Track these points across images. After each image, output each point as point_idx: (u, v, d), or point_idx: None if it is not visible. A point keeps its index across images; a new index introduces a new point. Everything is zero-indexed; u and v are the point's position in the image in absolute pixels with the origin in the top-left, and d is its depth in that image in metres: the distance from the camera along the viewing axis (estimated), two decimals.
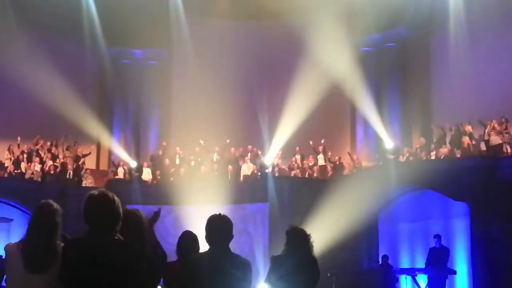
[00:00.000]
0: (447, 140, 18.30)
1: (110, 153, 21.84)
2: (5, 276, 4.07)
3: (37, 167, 18.99)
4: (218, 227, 4.24)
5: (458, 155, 17.13)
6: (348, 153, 20.28)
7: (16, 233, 15.51)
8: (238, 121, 20.48)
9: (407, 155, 18.74)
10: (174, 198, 17.81)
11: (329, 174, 19.31)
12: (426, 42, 21.31)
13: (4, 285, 4.07)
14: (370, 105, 20.16)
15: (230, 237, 4.26)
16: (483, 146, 17.44)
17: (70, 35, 21.06)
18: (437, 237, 14.44)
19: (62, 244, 3.94)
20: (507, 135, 16.90)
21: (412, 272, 14.92)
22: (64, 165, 19.43)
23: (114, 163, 20.67)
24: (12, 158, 19.10)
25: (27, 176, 18.77)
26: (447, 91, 19.77)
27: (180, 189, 17.54)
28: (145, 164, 20.28)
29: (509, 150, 16.60)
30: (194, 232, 5.54)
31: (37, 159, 19.17)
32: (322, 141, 20.01)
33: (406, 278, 14.98)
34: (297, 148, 20.14)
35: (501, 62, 18.74)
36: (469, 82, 18.75)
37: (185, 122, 21.72)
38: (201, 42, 21.94)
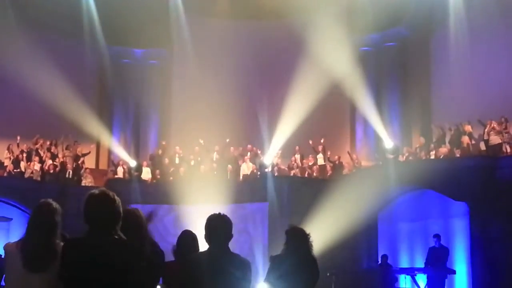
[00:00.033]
0: (447, 139, 18.30)
1: (109, 152, 21.85)
2: (4, 275, 4.06)
3: (37, 166, 18.99)
4: (218, 226, 4.24)
5: (458, 155, 17.13)
6: (348, 152, 20.27)
7: (15, 232, 15.51)
8: (237, 121, 20.48)
9: (406, 154, 18.74)
10: (173, 197, 17.81)
11: (328, 174, 19.31)
12: (426, 41, 21.30)
13: (4, 284, 4.06)
14: (369, 104, 20.16)
15: (230, 236, 4.25)
16: (482, 146, 17.44)
17: (70, 35, 21.06)
18: (437, 236, 14.44)
19: (62, 244, 3.94)
20: (506, 134, 16.90)
21: (411, 271, 14.92)
22: (63, 164, 19.43)
23: (113, 163, 20.68)
24: (12, 157, 19.11)
25: (26, 175, 18.78)
26: (447, 91, 19.77)
27: (180, 189, 17.54)
28: (145, 163, 20.29)
29: (508, 150, 16.61)
30: (194, 232, 5.54)
31: (37, 158, 19.17)
32: (322, 141, 20.02)
33: (405, 277, 14.98)
34: (297, 148, 20.14)
35: (501, 61, 18.73)
36: (469, 81, 18.75)
37: (185, 121, 21.72)
38: (201, 42, 21.94)
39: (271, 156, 19.73)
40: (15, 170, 18.87)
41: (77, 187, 18.31)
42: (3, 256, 4.13)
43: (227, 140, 20.33)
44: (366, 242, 16.87)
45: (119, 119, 22.39)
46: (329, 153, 19.87)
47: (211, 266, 4.13)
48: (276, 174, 19.02)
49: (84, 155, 20.20)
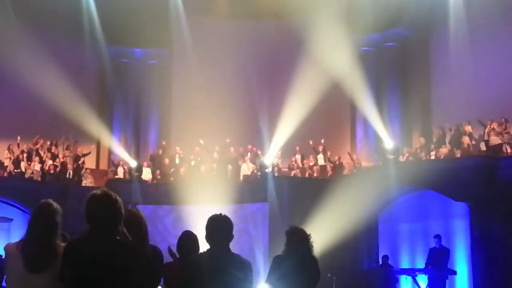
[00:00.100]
0: (447, 140, 18.29)
1: (110, 152, 21.84)
2: (5, 276, 4.06)
3: (37, 166, 18.99)
4: (219, 227, 4.23)
5: (458, 155, 17.12)
6: (348, 153, 20.26)
7: (16, 233, 15.52)
8: (238, 121, 20.47)
9: (407, 155, 18.74)
10: (174, 198, 17.82)
11: (329, 174, 19.30)
12: (426, 41, 21.30)
13: (4, 285, 4.06)
14: (370, 104, 20.14)
15: (231, 237, 4.25)
16: (483, 146, 17.44)
17: (70, 35, 21.05)
18: (437, 237, 14.44)
19: (62, 244, 3.94)
20: (506, 135, 16.90)
21: (412, 272, 14.92)
22: (64, 165, 19.43)
23: (114, 163, 20.67)
24: (12, 158, 19.10)
25: (27, 175, 18.77)
26: (447, 91, 19.75)
27: (180, 189, 17.55)
28: (145, 163, 20.28)
29: (509, 150, 16.60)
30: (194, 232, 5.53)
31: (37, 158, 19.16)
32: (322, 141, 20.02)
33: (406, 278, 15.00)
34: (297, 148, 20.13)
35: (501, 61, 18.73)
36: (469, 81, 18.73)
37: (185, 121, 21.70)
38: (201, 42, 21.93)
39: (271, 156, 19.72)
40: (15, 171, 18.86)
41: (78, 188, 18.30)
42: (3, 257, 4.12)
43: (227, 140, 20.32)
44: (366, 243, 16.86)
45: (119, 119, 22.38)
46: (329, 153, 19.86)
47: (212, 266, 4.12)
48: (276, 174, 19.01)
49: (84, 155, 20.19)
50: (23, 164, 18.96)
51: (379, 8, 19.81)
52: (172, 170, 20.00)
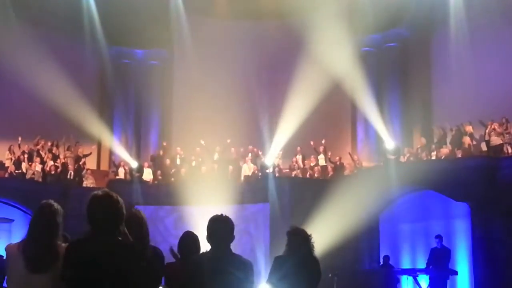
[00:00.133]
0: (448, 140, 18.28)
1: (111, 153, 21.84)
2: (6, 276, 4.06)
3: (38, 167, 18.99)
4: (220, 227, 4.23)
5: (459, 156, 17.11)
6: (349, 153, 20.26)
7: (17, 234, 15.51)
8: (238, 121, 20.47)
9: (407, 155, 18.74)
10: (175, 198, 17.84)
11: (330, 175, 19.30)
12: (427, 42, 21.30)
13: (5, 285, 4.06)
14: (370, 105, 20.14)
15: (232, 237, 4.25)
16: (484, 146, 17.44)
17: (70, 35, 21.06)
18: (439, 237, 14.44)
19: (63, 245, 3.94)
20: (507, 135, 16.89)
21: (413, 272, 14.92)
22: (65, 165, 19.44)
23: (115, 163, 20.67)
24: (13, 158, 19.11)
25: (28, 176, 18.78)
26: (448, 91, 19.75)
27: (181, 190, 17.55)
28: (146, 164, 20.29)
29: (510, 151, 16.60)
30: (195, 233, 5.53)
31: (38, 159, 19.17)
32: (323, 141, 20.02)
33: (407, 278, 14.99)
34: (298, 149, 20.13)
35: (502, 61, 18.73)
36: (469, 82, 18.73)
37: (186, 122, 21.72)
38: (201, 42, 21.94)
39: (272, 156, 19.72)
40: (16, 171, 18.87)
41: (79, 188, 18.32)
42: (5, 257, 4.12)
43: (228, 141, 20.32)
44: (367, 243, 16.86)
45: (120, 120, 22.39)
46: (329, 153, 19.86)
47: (213, 267, 4.12)
48: (277, 175, 19.01)
49: (85, 156, 20.19)
50: (24, 165, 18.97)
51: (380, 9, 19.82)
52: (173, 170, 20.01)
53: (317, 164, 19.70)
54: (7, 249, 4.07)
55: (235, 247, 4.26)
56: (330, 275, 13.99)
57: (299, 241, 5.65)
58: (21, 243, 4.02)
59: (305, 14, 20.81)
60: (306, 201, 16.40)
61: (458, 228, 15.92)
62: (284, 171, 19.98)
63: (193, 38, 21.95)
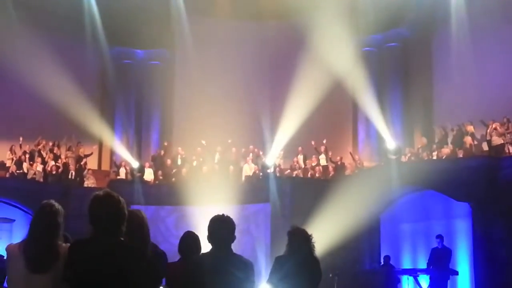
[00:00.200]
0: (449, 140, 18.28)
1: (112, 153, 21.84)
2: (6, 276, 4.06)
3: (39, 167, 19.01)
4: (221, 227, 4.23)
5: (460, 155, 17.10)
6: (350, 153, 20.26)
7: (18, 234, 15.54)
8: (239, 121, 20.48)
9: (409, 155, 18.73)
10: (176, 198, 17.85)
11: (331, 175, 19.30)
12: (428, 42, 21.29)
13: (6, 285, 4.07)
14: (372, 105, 20.13)
15: (233, 238, 4.25)
16: (485, 146, 17.43)
17: (72, 35, 21.07)
18: (439, 237, 14.43)
19: (64, 245, 3.95)
20: (508, 135, 16.89)
21: (414, 272, 14.91)
22: (66, 166, 19.45)
23: (116, 164, 20.67)
24: (14, 158, 19.13)
25: (29, 176, 18.79)
26: (449, 91, 19.75)
27: (182, 190, 17.56)
28: (147, 164, 20.29)
29: (511, 150, 16.59)
30: (196, 233, 5.54)
31: (39, 159, 19.19)
32: (324, 141, 20.02)
33: (408, 278, 14.97)
34: (300, 148, 20.14)
35: (503, 61, 18.71)
36: (471, 81, 18.73)
37: (187, 122, 21.73)
38: (202, 42, 21.94)
39: (273, 157, 19.72)
40: (17, 171, 18.89)
41: (80, 188, 18.34)
42: (5, 257, 4.13)
43: (229, 141, 20.33)
44: (368, 243, 16.85)
45: (121, 120, 22.39)
46: (330, 153, 19.86)
47: (214, 267, 4.13)
48: (278, 175, 19.01)
49: (86, 156, 20.20)
50: (25, 165, 18.99)
51: (381, 9, 19.82)
52: (174, 170, 20.01)
53: (318, 164, 19.70)
54: (7, 249, 4.07)
55: (235, 247, 4.27)
56: (330, 275, 14.00)
57: (300, 241, 5.65)
58: (22, 243, 4.02)
59: (306, 14, 20.79)
60: (307, 201, 16.39)
61: (459, 228, 15.91)
62: (285, 171, 19.97)
63: (194, 38, 21.95)
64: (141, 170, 19.92)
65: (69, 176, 19.29)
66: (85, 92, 19.98)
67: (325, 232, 13.86)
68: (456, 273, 14.59)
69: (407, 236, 17.09)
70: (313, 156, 20.03)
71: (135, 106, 22.59)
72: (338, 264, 14.45)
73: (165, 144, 21.46)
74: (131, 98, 22.52)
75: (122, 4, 20.64)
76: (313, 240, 5.69)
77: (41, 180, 18.80)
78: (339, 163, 19.39)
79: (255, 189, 18.22)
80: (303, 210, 15.71)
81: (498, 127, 16.99)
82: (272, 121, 20.47)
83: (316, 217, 15.08)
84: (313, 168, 19.69)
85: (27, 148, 19.45)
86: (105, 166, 22.22)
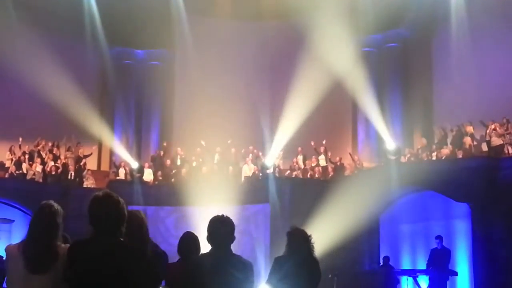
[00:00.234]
0: (449, 140, 18.28)
1: (111, 153, 21.83)
2: (6, 277, 4.06)
3: (39, 168, 19.01)
4: (220, 228, 4.23)
5: (460, 156, 17.11)
6: (349, 153, 20.26)
7: (17, 234, 15.52)
8: (239, 122, 20.48)
9: (408, 155, 18.73)
10: (175, 199, 17.84)
11: (330, 175, 19.30)
12: (428, 42, 21.30)
13: (5, 286, 4.06)
14: (371, 105, 20.12)
15: (232, 238, 4.25)
16: (484, 147, 17.43)
17: (72, 36, 21.07)
18: (439, 238, 14.44)
19: (63, 245, 3.95)
20: (508, 136, 16.89)
21: (413, 273, 14.91)
22: (65, 166, 19.45)
23: (115, 164, 20.67)
24: (14, 159, 19.13)
25: (28, 177, 18.79)
26: (449, 92, 19.75)
27: (182, 190, 17.56)
28: (147, 164, 20.29)
29: (510, 151, 16.59)
30: (196, 233, 5.54)
31: (39, 160, 19.18)
32: (324, 142, 20.03)
33: (407, 279, 14.97)
34: (300, 149, 20.14)
35: (503, 62, 18.72)
36: (470, 82, 18.73)
37: (187, 122, 21.73)
38: (202, 43, 21.95)
39: (272, 157, 19.72)
40: (17, 172, 18.89)
41: (79, 189, 18.34)
42: (5, 258, 4.13)
43: (229, 142, 20.33)
44: (367, 244, 16.85)
45: (120, 120, 22.39)
46: (329, 154, 19.87)
47: (213, 267, 4.12)
48: (277, 175, 19.01)
49: (86, 156, 20.20)
50: (24, 166, 18.98)
51: (381, 9, 19.81)
52: (173, 171, 20.01)
53: (318, 165, 19.71)
54: (7, 249, 4.07)
55: (235, 247, 4.27)
56: (330, 276, 14.00)
57: (299, 241, 5.65)
58: (21, 244, 4.02)
59: (306, 14, 20.79)
60: (306, 202, 16.39)
61: (459, 228, 15.91)
62: (284, 171, 19.97)
63: (194, 39, 21.96)
64: (141, 170, 19.92)
65: (69, 177, 19.28)
66: (85, 93, 19.98)
67: (325, 232, 13.87)
68: (456, 273, 14.59)
69: (407, 237, 17.09)
70: (313, 156, 20.03)
71: (134, 106, 22.59)
72: (338, 265, 14.45)
73: (165, 144, 21.47)
74: (131, 99, 22.52)
75: (122, 4, 20.64)
76: (313, 240, 5.69)
77: (41, 180, 18.80)
78: (338, 163, 19.40)
79: (255, 190, 18.21)
80: (303, 211, 15.71)
81: (497, 128, 17.00)
82: (272, 122, 20.47)
83: (315, 217, 15.08)
84: (312, 168, 19.69)
85: (26, 148, 19.45)
86: (105, 167, 22.22)
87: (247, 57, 21.88)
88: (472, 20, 19.04)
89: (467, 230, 15.38)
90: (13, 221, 17.39)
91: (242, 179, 19.40)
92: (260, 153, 20.20)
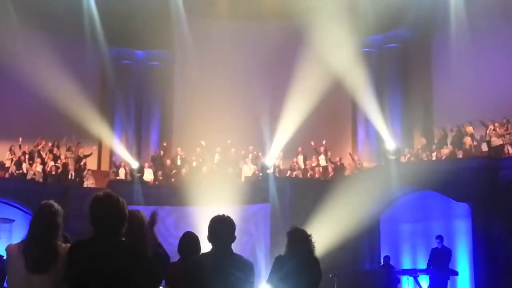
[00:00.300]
0: (449, 141, 18.29)
1: (111, 153, 21.84)
2: (6, 277, 4.06)
3: (39, 167, 19.01)
4: (221, 227, 4.23)
5: (460, 156, 17.11)
6: (349, 153, 20.27)
7: (18, 234, 15.52)
8: (239, 122, 20.48)
9: (408, 155, 18.73)
10: (175, 199, 17.85)
11: (330, 175, 19.30)
12: (428, 42, 21.31)
13: (6, 285, 4.07)
14: (371, 105, 20.13)
15: (233, 238, 4.25)
16: (484, 147, 17.44)
17: (71, 36, 21.07)
18: (439, 238, 14.44)
19: (63, 245, 3.95)
20: (508, 136, 16.89)
21: (414, 273, 14.92)
22: (65, 166, 19.45)
23: (115, 164, 20.66)
24: (14, 159, 19.13)
25: (28, 176, 18.79)
26: (449, 92, 19.76)
27: (182, 190, 17.56)
28: (147, 164, 20.29)
29: (510, 151, 16.60)
30: (196, 233, 5.54)
31: (39, 159, 19.18)
32: (324, 142, 20.03)
33: (408, 279, 14.97)
34: (300, 149, 20.14)
35: (502, 62, 18.73)
36: (470, 82, 18.74)
37: (186, 122, 21.72)
38: (202, 43, 21.95)
39: (272, 157, 19.72)
40: (17, 172, 18.88)
41: (79, 189, 18.34)
42: (5, 258, 4.13)
43: (229, 142, 20.33)
44: (368, 243, 16.85)
45: (120, 121, 22.40)
46: (329, 154, 19.87)
47: (214, 267, 4.12)
48: (277, 175, 19.01)
49: (86, 156, 20.20)
50: (24, 165, 18.98)
51: (381, 9, 19.81)
52: (173, 171, 20.01)
53: (318, 165, 19.71)
54: (7, 249, 4.07)
55: (235, 247, 4.27)
56: (330, 275, 13.99)
57: (300, 241, 5.65)
58: (22, 244, 4.02)
59: (306, 14, 20.79)
60: (306, 202, 16.40)
61: (459, 228, 15.91)
62: (284, 171, 19.97)
63: (194, 39, 21.96)
64: (141, 170, 19.92)
65: (69, 177, 19.28)
66: (84, 93, 19.97)
67: (325, 232, 13.86)
68: (456, 273, 14.59)
69: (407, 237, 17.09)
70: (313, 156, 20.03)
71: (134, 106, 22.60)
72: (338, 265, 14.44)
73: (165, 144, 21.47)
74: (131, 99, 22.53)
75: (122, 4, 20.63)
76: (313, 240, 5.69)
77: (41, 180, 18.80)
78: (338, 163, 19.40)
79: (255, 190, 18.21)
80: (303, 211, 15.72)
81: (497, 128, 17.01)
82: (272, 122, 20.46)
83: (315, 217, 15.09)
84: (312, 168, 19.69)
85: (26, 148, 19.45)
86: (105, 167, 22.22)
87: (247, 57, 21.87)
88: (472, 20, 19.05)
89: (468, 229, 15.39)
90: (14, 220, 17.39)
91: (242, 179, 19.40)
92: (260, 153, 20.20)
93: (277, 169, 19.55)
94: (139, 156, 21.63)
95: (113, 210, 3.52)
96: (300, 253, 5.58)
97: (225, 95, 21.10)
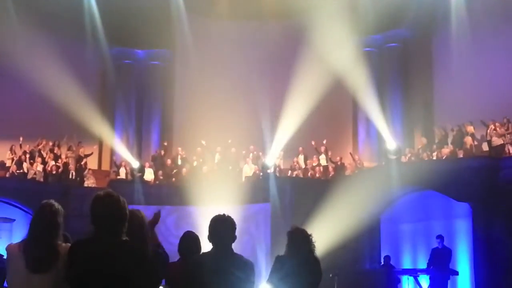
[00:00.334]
0: (449, 140, 18.29)
1: (112, 153, 21.84)
2: (6, 276, 4.06)
3: (39, 167, 19.01)
4: (222, 227, 4.23)
5: (461, 156, 17.11)
6: (350, 153, 20.27)
7: (18, 233, 15.54)
8: (240, 122, 20.46)
9: (409, 155, 18.73)
10: (176, 198, 17.86)
11: (331, 175, 19.30)
12: (428, 42, 21.30)
13: (6, 285, 4.07)
14: (372, 105, 20.12)
15: (234, 237, 4.25)
16: (485, 147, 17.43)
17: (72, 36, 21.06)
18: (440, 237, 14.44)
19: (64, 245, 3.95)
20: (508, 135, 16.88)
21: (414, 272, 14.91)
22: (66, 165, 19.46)
23: (116, 163, 20.67)
24: (15, 158, 19.13)
25: (29, 176, 18.79)
26: (449, 91, 19.75)
27: (182, 190, 17.57)
28: (147, 164, 20.29)
29: (511, 151, 16.59)
30: (197, 233, 5.54)
31: (39, 159, 19.19)
32: (324, 142, 20.02)
33: (408, 278, 14.97)
34: (300, 149, 20.14)
35: (503, 62, 18.72)
36: (471, 82, 18.73)
37: (187, 122, 21.73)
38: (203, 43, 21.95)
39: (273, 157, 19.72)
40: (17, 171, 18.89)
41: (80, 188, 18.34)
42: (5, 257, 4.13)
43: (229, 141, 20.32)
44: (368, 243, 16.85)
45: (121, 120, 22.40)
46: (330, 153, 19.86)
47: (214, 267, 4.12)
48: (278, 175, 19.01)
49: (86, 156, 20.20)
50: (25, 165, 18.99)
51: (381, 9, 19.80)
52: (174, 170, 20.01)
53: (319, 164, 19.71)
54: (7, 249, 4.07)
55: (236, 247, 4.26)
56: (331, 275, 13.98)
57: (300, 241, 5.65)
58: (22, 243, 4.02)
59: (306, 14, 20.77)
60: (307, 201, 16.40)
61: (459, 228, 15.91)
62: (285, 171, 19.96)
63: (195, 39, 21.96)
64: (141, 170, 19.92)
65: (69, 176, 19.29)
66: (85, 92, 19.96)
67: (325, 232, 13.86)
68: (456, 273, 14.59)
69: (407, 236, 17.09)
70: (314, 156, 20.02)
71: (135, 106, 22.61)
72: (339, 264, 14.44)
73: (165, 144, 21.47)
74: (131, 98, 22.53)
75: (122, 4, 20.63)
76: (313, 240, 5.69)
77: (41, 180, 18.80)
78: (339, 163, 19.40)
79: (255, 189, 18.21)
80: (303, 210, 15.71)
81: (498, 128, 17.00)
82: (272, 121, 20.46)
83: (316, 217, 15.09)
84: (313, 168, 19.69)
85: (27, 148, 19.45)
86: (105, 166, 22.23)
87: (247, 57, 21.86)
88: (472, 20, 19.04)
89: (468, 229, 15.38)
90: (14, 220, 17.40)
91: (243, 178, 19.40)
92: (261, 153, 20.20)
93: (277, 168, 19.54)
94: (139, 155, 21.64)
95: (113, 209, 3.53)
96: (300, 253, 5.58)
97: (226, 94, 21.11)
